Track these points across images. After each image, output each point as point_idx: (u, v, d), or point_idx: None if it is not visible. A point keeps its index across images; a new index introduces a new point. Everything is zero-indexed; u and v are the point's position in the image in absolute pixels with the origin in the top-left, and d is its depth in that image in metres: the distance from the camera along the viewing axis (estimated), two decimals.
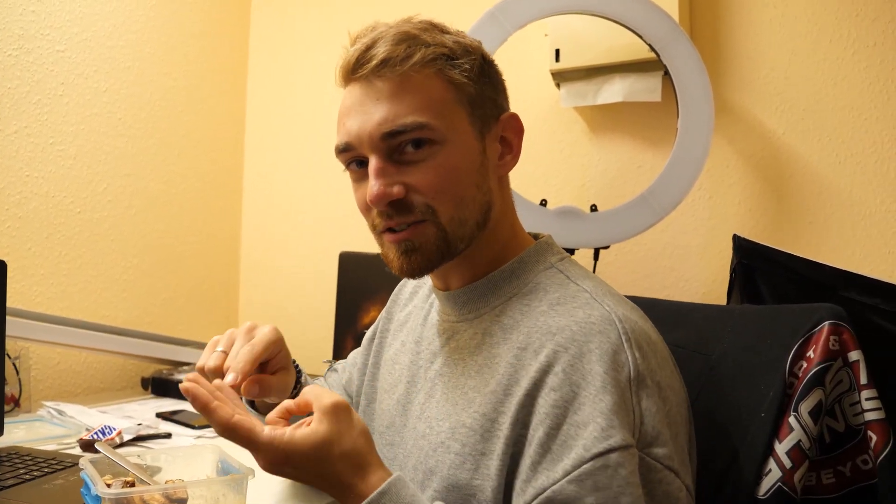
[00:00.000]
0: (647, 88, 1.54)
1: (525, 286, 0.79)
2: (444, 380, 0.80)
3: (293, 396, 0.89)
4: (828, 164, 1.45)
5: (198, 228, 1.97)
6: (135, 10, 1.76)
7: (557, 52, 1.57)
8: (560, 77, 1.60)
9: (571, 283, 0.77)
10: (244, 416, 0.68)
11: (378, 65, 0.75)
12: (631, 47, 1.48)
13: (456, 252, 0.79)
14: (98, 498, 0.76)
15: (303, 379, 0.95)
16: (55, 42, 1.58)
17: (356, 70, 0.77)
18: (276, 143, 2.09)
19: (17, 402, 1.46)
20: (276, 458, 0.66)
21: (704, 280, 1.54)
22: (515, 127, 0.83)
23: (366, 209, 0.80)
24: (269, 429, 0.67)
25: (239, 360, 0.78)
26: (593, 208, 1.46)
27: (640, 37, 1.42)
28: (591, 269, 1.52)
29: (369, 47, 0.76)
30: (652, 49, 1.42)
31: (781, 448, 0.77)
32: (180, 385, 0.70)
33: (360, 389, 1.00)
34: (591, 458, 0.62)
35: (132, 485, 0.81)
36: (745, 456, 0.80)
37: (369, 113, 0.75)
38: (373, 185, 0.75)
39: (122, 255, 1.75)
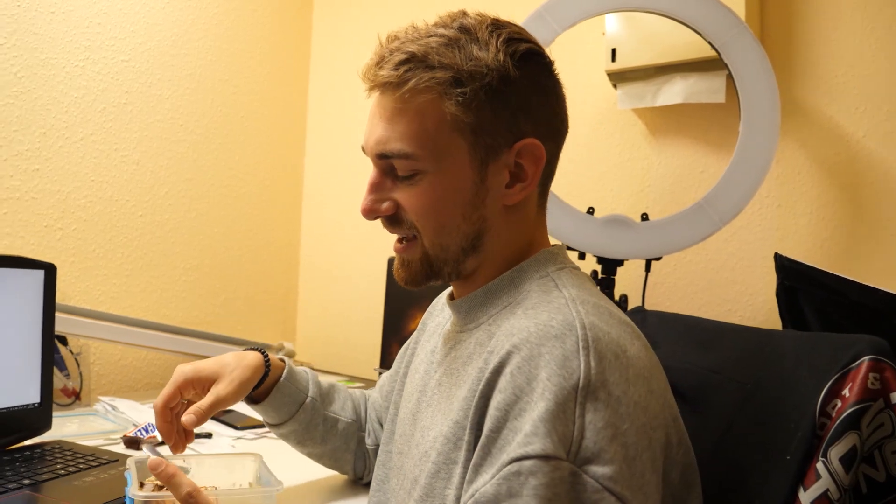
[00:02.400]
0: (709, 89, 1.44)
1: (519, 295, 0.76)
2: (442, 389, 0.79)
3: (265, 378, 0.98)
4: None
5: (257, 233, 2.01)
6: (197, 20, 1.82)
7: (614, 51, 1.49)
8: (617, 78, 1.53)
9: (555, 290, 0.73)
10: None
11: (378, 87, 0.76)
12: (693, 45, 1.39)
13: (441, 274, 0.79)
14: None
15: (271, 360, 1.01)
16: (120, 52, 1.65)
17: (367, 82, 0.77)
18: (336, 149, 2.11)
19: (77, 396, 1.53)
20: None
21: (770, 295, 1.42)
22: (533, 155, 0.76)
23: None
24: None
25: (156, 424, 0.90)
26: (644, 217, 1.38)
27: (699, 33, 1.33)
28: (643, 281, 1.44)
29: (377, 64, 0.75)
30: (712, 46, 1.32)
31: (806, 497, 0.68)
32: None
33: (391, 397, 1.01)
34: (508, 463, 0.60)
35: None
36: (765, 502, 0.72)
37: (374, 126, 0.77)
38: (364, 198, 0.78)
39: (182, 257, 1.81)
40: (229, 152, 1.92)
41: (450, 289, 0.90)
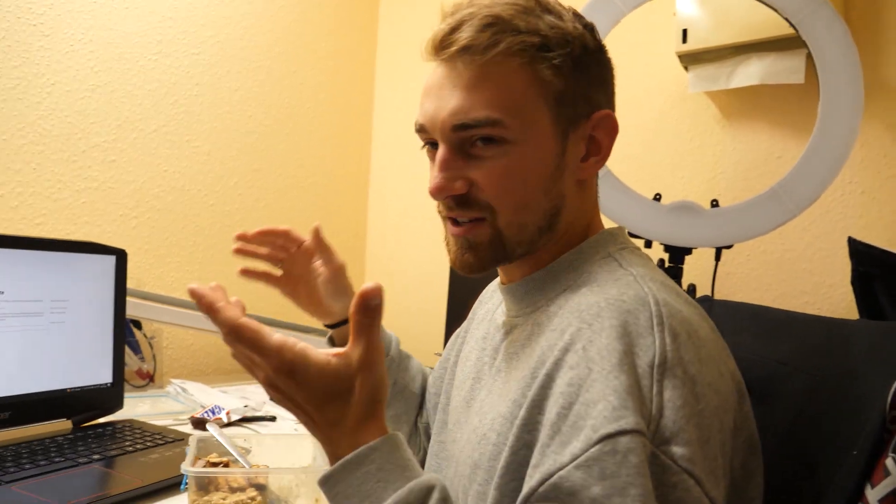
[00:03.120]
0: (788, 69, 1.36)
1: (580, 277, 0.73)
2: (502, 375, 0.76)
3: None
4: None
5: (323, 222, 2.01)
6: (265, 12, 1.85)
7: (685, 32, 1.43)
8: (688, 59, 1.47)
9: (620, 269, 0.70)
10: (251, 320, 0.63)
11: (459, 50, 0.70)
12: (770, 23, 1.32)
13: (513, 256, 0.74)
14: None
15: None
16: (191, 46, 1.70)
17: (438, 51, 0.72)
18: (402, 139, 2.11)
19: (151, 378, 1.59)
20: (279, 367, 0.60)
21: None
22: (608, 126, 0.74)
23: None
24: (280, 334, 0.61)
25: None
26: (714, 203, 1.32)
27: (776, 10, 1.26)
28: (713, 270, 1.38)
29: (454, 29, 0.70)
30: (790, 24, 1.25)
31: (874, 495, 0.64)
32: (188, 287, 0.65)
33: (441, 386, 0.99)
34: (599, 441, 0.54)
35: (226, 465, 0.87)
36: (831, 499, 0.67)
37: (445, 99, 0.72)
38: (435, 177, 0.72)
39: None
40: (296, 143, 1.95)
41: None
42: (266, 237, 0.94)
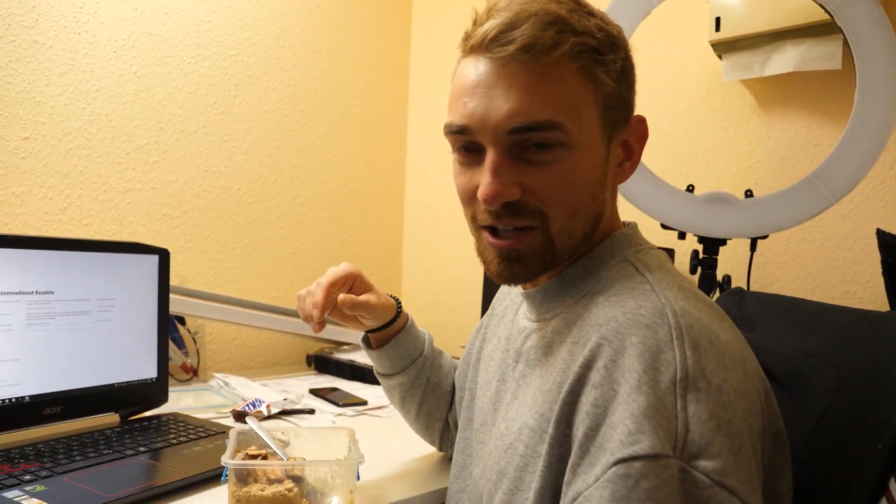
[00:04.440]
0: (824, 55, 1.34)
1: (598, 283, 0.73)
2: (526, 381, 0.77)
3: (394, 319, 1.03)
4: None
5: (361, 217, 2.07)
6: (300, 12, 1.88)
7: (718, 20, 1.42)
8: (722, 48, 1.45)
9: (637, 275, 0.70)
10: None
11: (520, 49, 0.67)
12: (805, 9, 1.30)
13: (560, 263, 0.74)
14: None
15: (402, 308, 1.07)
16: (228, 48, 1.74)
17: (491, 48, 0.68)
18: (437, 135, 2.12)
19: (195, 373, 1.64)
20: None
21: None
22: (640, 132, 0.75)
23: (469, 200, 0.76)
24: None
25: (315, 294, 0.95)
26: (748, 193, 1.30)
27: None
28: (748, 261, 1.37)
29: (513, 25, 0.67)
30: (824, 9, 1.23)
31: None
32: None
33: (465, 381, 1.01)
34: (614, 464, 0.56)
35: (264, 458, 0.91)
36: (857, 491, 0.67)
37: (497, 100, 0.68)
38: (490, 183, 0.69)
39: (289, 241, 1.89)
40: (333, 140, 1.98)
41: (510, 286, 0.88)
42: (327, 297, 0.96)
